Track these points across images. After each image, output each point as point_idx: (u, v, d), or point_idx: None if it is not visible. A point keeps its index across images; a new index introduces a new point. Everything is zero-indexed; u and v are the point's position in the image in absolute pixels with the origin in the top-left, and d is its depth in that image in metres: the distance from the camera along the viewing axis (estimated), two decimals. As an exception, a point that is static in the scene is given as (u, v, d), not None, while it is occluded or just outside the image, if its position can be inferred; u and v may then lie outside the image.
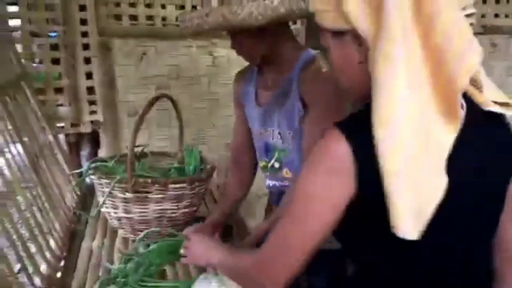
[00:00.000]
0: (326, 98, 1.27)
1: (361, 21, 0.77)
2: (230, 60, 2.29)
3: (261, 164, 1.55)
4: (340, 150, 0.78)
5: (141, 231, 1.58)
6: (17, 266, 1.26)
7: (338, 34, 0.84)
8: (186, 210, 1.62)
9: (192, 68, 2.29)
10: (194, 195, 1.62)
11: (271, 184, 1.54)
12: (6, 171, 1.38)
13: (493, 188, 0.85)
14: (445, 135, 0.75)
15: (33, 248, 1.37)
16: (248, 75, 1.55)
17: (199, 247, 1.19)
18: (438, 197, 0.75)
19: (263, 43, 1.32)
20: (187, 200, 1.60)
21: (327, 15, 0.83)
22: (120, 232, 1.67)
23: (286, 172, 1.47)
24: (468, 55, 0.74)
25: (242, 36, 1.31)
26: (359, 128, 0.78)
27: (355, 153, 0.77)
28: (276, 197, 1.53)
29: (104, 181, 1.54)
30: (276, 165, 1.48)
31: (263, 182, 1.58)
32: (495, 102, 0.81)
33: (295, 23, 2.46)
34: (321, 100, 1.29)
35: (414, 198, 0.74)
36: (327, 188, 0.81)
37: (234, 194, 1.64)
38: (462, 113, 0.78)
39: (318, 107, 1.29)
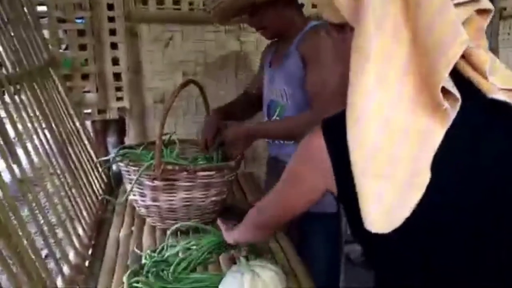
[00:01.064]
0: (323, 50, 1.46)
1: (348, 14, 0.77)
2: (259, 45, 2.24)
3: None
4: (315, 144, 0.83)
5: (169, 219, 1.57)
6: (44, 251, 1.25)
7: (339, 27, 0.85)
8: (215, 198, 1.59)
9: (219, 53, 2.23)
10: (223, 183, 1.58)
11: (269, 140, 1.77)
12: (35, 157, 1.36)
13: (504, 183, 0.77)
14: (431, 131, 0.72)
15: (60, 234, 1.36)
16: (273, 43, 1.77)
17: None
18: (417, 193, 0.72)
19: (275, 17, 1.55)
20: (215, 188, 1.57)
21: (327, 9, 0.84)
22: (148, 220, 1.65)
23: None
24: (449, 46, 0.69)
25: (257, 12, 1.55)
26: (338, 124, 0.77)
27: (329, 147, 0.81)
28: (275, 148, 1.75)
29: (132, 168, 1.51)
30: (278, 119, 1.67)
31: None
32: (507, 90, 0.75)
33: None
34: (319, 52, 1.48)
35: (387, 193, 0.72)
36: (305, 174, 0.89)
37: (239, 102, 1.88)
38: (454, 105, 0.71)
39: (316, 57, 1.49)
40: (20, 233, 1.06)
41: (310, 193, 0.91)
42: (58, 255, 1.29)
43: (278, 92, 1.65)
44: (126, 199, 1.67)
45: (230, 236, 1.25)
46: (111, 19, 2.15)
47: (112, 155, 1.72)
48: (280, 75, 1.63)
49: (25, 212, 1.24)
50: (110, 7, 2.14)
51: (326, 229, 1.72)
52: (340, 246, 1.84)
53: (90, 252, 1.50)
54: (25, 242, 1.07)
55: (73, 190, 1.56)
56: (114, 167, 2.30)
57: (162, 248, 1.36)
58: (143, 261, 1.31)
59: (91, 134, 2.24)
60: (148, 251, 1.36)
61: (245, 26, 2.21)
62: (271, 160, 1.83)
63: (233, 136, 1.59)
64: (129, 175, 1.55)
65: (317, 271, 1.59)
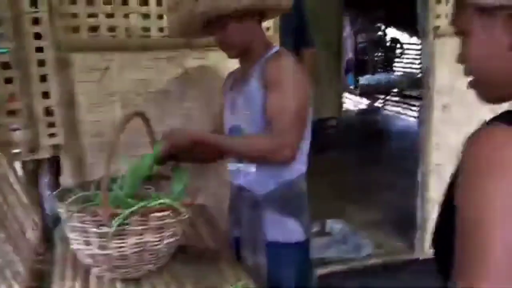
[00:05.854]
0: (285, 74, 1.47)
1: None
2: (203, 72, 2.14)
3: None
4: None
5: (120, 268, 1.41)
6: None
7: (486, 11, 0.68)
8: (170, 240, 1.45)
9: (161, 81, 2.10)
10: (178, 222, 1.45)
11: (233, 168, 1.68)
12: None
13: None
14: None
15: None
16: (233, 72, 1.75)
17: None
18: None
19: (244, 34, 1.53)
20: (170, 229, 1.43)
21: None
22: (94, 270, 1.47)
23: None
24: None
25: (227, 26, 1.50)
26: None
27: None
28: (240, 176, 1.65)
29: (75, 214, 1.34)
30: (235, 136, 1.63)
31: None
32: None
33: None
34: (280, 77, 1.47)
35: None
36: None
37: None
38: None
39: (277, 82, 1.47)
40: None
41: None
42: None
43: (240, 116, 1.62)
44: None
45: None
46: (39, 49, 1.97)
47: (48, 197, 1.54)
48: (241, 99, 1.60)
49: None
50: (38, 36, 1.96)
51: (295, 258, 1.63)
52: (310, 275, 1.76)
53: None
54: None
55: (6, 243, 1.37)
56: (48, 210, 2.10)
57: None
58: None
59: (22, 175, 2.01)
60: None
61: (187, 52, 2.10)
62: (235, 189, 1.71)
63: (174, 133, 1.56)
64: (71, 222, 1.37)
65: None
